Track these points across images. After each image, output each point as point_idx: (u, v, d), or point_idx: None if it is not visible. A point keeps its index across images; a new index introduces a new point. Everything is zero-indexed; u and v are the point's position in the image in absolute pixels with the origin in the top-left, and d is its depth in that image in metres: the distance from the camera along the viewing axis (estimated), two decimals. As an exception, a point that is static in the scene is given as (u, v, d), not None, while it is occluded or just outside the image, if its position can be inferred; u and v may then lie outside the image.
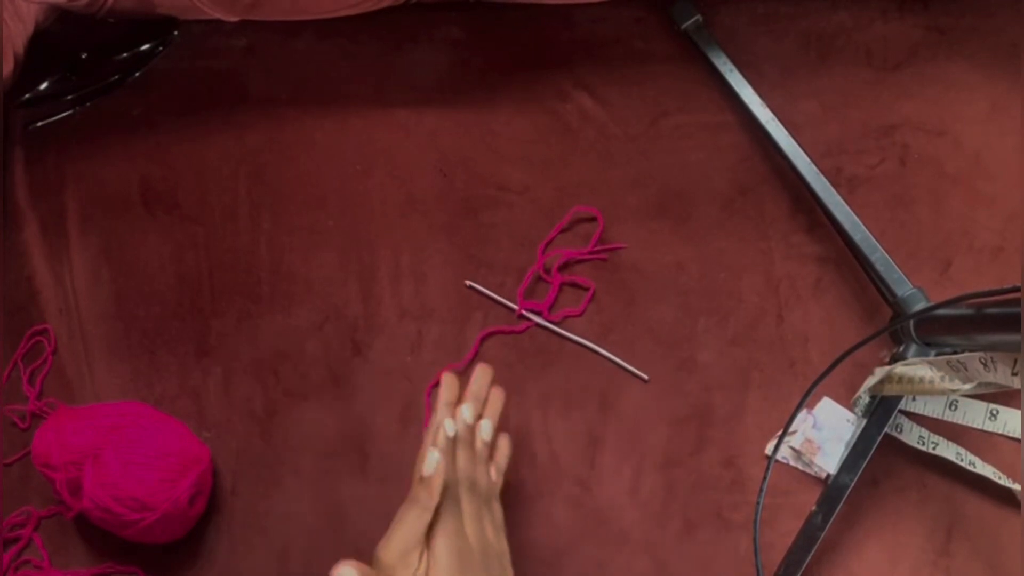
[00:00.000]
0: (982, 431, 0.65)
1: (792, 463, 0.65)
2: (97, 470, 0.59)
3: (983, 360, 0.53)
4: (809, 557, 0.61)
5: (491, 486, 0.56)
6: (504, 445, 0.59)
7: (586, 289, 0.68)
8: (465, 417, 0.56)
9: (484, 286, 0.69)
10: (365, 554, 0.65)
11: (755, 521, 0.61)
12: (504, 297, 0.68)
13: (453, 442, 0.54)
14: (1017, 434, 0.65)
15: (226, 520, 0.66)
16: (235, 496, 0.66)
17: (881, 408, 0.63)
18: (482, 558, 0.51)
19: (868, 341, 0.59)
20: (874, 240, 0.64)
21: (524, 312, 0.67)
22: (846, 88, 0.71)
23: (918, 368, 0.59)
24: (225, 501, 0.66)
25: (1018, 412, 0.65)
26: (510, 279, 0.69)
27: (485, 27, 0.73)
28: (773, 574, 0.62)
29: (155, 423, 0.63)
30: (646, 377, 0.67)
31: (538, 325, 0.68)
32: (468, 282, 0.68)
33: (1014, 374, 0.51)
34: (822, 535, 0.61)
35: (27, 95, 0.71)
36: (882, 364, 0.63)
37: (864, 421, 0.63)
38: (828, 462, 0.64)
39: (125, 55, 0.72)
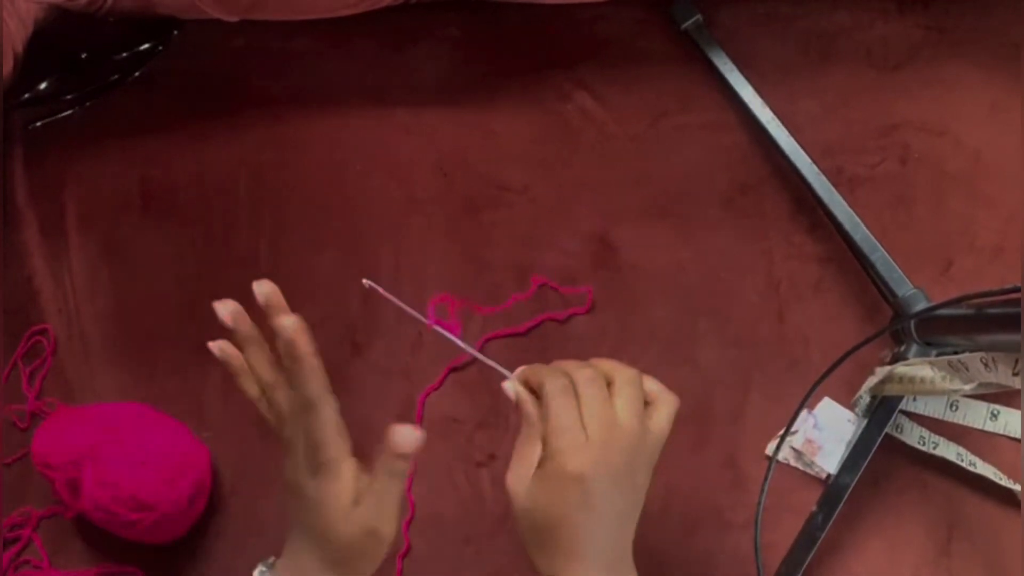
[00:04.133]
0: (983, 431, 0.65)
1: (793, 463, 0.65)
2: (97, 470, 0.59)
3: (984, 360, 0.52)
4: (810, 557, 0.61)
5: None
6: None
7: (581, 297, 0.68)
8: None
9: (483, 286, 0.69)
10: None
11: (756, 521, 0.61)
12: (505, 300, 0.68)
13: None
14: (1018, 434, 0.65)
15: (226, 520, 0.66)
16: (235, 496, 0.66)
17: (882, 408, 0.63)
18: None
19: (869, 341, 0.59)
20: (875, 240, 0.64)
21: (435, 326, 0.55)
22: (846, 88, 0.71)
23: (919, 368, 0.59)
24: (225, 501, 0.66)
25: (1019, 412, 0.65)
26: (510, 279, 0.69)
27: (485, 27, 0.73)
28: (774, 574, 0.62)
29: (155, 423, 0.62)
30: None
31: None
32: (366, 281, 0.55)
33: (1015, 374, 0.50)
34: (822, 535, 0.61)
35: (27, 95, 0.71)
36: (883, 364, 0.63)
37: (865, 421, 0.63)
38: (829, 462, 0.64)
39: (125, 55, 0.72)
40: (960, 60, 0.71)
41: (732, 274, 0.69)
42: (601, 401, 0.46)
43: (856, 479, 0.61)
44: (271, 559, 0.51)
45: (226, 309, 0.49)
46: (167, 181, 0.72)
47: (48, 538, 0.66)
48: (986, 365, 0.52)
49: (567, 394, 0.47)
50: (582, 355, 0.67)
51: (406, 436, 0.45)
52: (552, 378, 0.47)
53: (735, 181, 0.70)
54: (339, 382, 0.67)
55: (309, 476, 0.46)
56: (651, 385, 0.48)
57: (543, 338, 0.68)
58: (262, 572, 0.51)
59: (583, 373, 0.48)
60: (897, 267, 0.63)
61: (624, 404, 0.46)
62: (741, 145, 0.71)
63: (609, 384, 0.47)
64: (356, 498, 0.45)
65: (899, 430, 0.64)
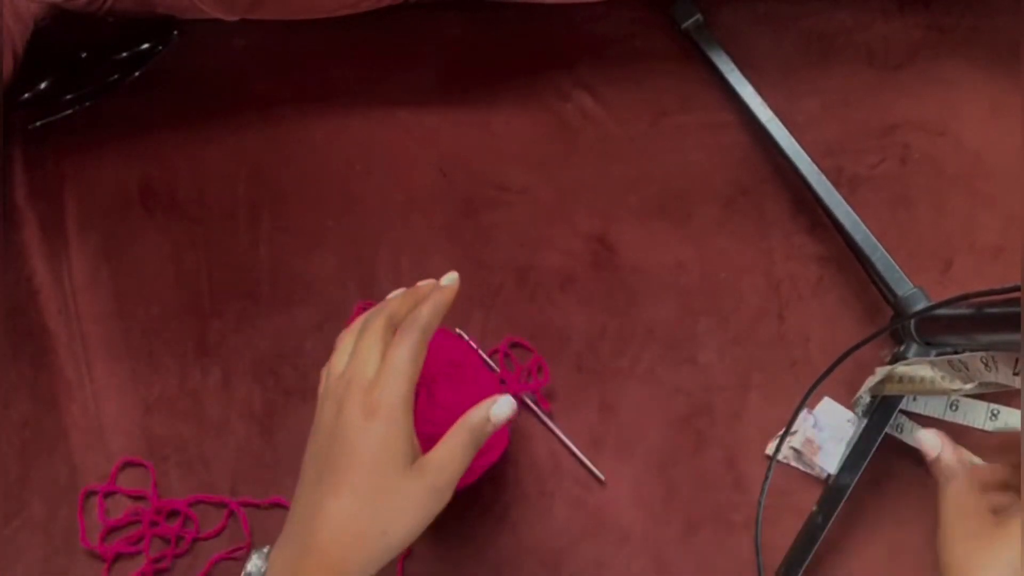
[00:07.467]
0: (983, 431, 0.65)
1: (793, 463, 0.65)
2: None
3: (984, 360, 0.52)
4: (810, 557, 0.61)
5: None
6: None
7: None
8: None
9: (483, 287, 0.69)
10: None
11: (756, 521, 0.61)
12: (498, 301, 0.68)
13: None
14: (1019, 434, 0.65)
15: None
16: (235, 497, 0.66)
17: (882, 408, 0.63)
18: None
19: (869, 341, 0.59)
20: (875, 240, 0.64)
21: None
22: (847, 88, 0.71)
23: (919, 368, 0.59)
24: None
25: (1019, 412, 0.65)
26: (510, 279, 0.69)
27: (485, 27, 0.73)
28: (774, 574, 0.62)
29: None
30: (603, 478, 0.65)
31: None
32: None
33: (1015, 374, 0.50)
34: (823, 535, 0.61)
35: (26, 95, 0.70)
36: (883, 364, 0.63)
37: (865, 421, 0.63)
38: (829, 462, 0.64)
39: (124, 55, 0.72)
40: (961, 60, 0.71)
41: (732, 274, 0.69)
42: None
43: (856, 479, 0.61)
44: (266, 548, 0.51)
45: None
46: (167, 181, 0.72)
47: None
48: (986, 365, 0.52)
49: None
50: (584, 354, 0.68)
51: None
52: None
53: (735, 181, 0.70)
54: (339, 382, 0.68)
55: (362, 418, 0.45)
56: None
57: (541, 337, 0.68)
58: (258, 555, 0.51)
59: None
60: (897, 267, 0.63)
61: None
62: (741, 145, 0.71)
63: None
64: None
65: (899, 430, 0.64)
